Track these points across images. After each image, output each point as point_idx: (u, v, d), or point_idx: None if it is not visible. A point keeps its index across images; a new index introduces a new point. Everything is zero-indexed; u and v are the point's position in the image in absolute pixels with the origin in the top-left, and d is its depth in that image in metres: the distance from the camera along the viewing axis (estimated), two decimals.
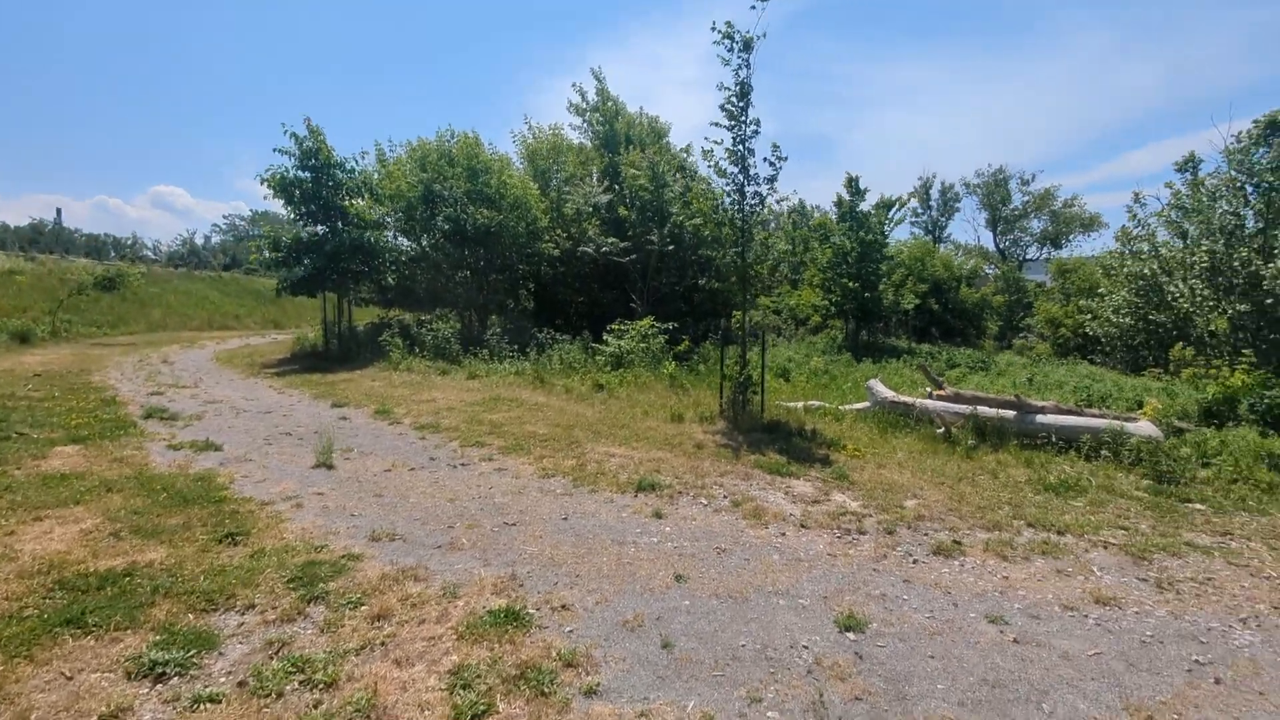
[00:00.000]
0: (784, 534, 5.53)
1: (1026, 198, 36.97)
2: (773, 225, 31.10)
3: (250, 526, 5.32)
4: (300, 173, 17.03)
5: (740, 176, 9.52)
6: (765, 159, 9.41)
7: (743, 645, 3.72)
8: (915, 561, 5.00)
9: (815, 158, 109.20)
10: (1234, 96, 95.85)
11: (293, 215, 17.71)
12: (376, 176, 19.19)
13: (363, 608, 4.03)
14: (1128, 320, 15.21)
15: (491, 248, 17.99)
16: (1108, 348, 16.01)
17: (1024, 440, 8.59)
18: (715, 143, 9.67)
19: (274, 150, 16.70)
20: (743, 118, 9.42)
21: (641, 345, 14.56)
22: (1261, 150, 15.56)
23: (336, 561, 4.70)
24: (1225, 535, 5.80)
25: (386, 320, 19.91)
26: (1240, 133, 15.69)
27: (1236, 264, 14.22)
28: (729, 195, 9.75)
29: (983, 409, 8.87)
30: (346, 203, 17.76)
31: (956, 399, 9.18)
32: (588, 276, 19.59)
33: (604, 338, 15.03)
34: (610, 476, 7.01)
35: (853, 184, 20.73)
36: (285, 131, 16.56)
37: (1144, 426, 8.18)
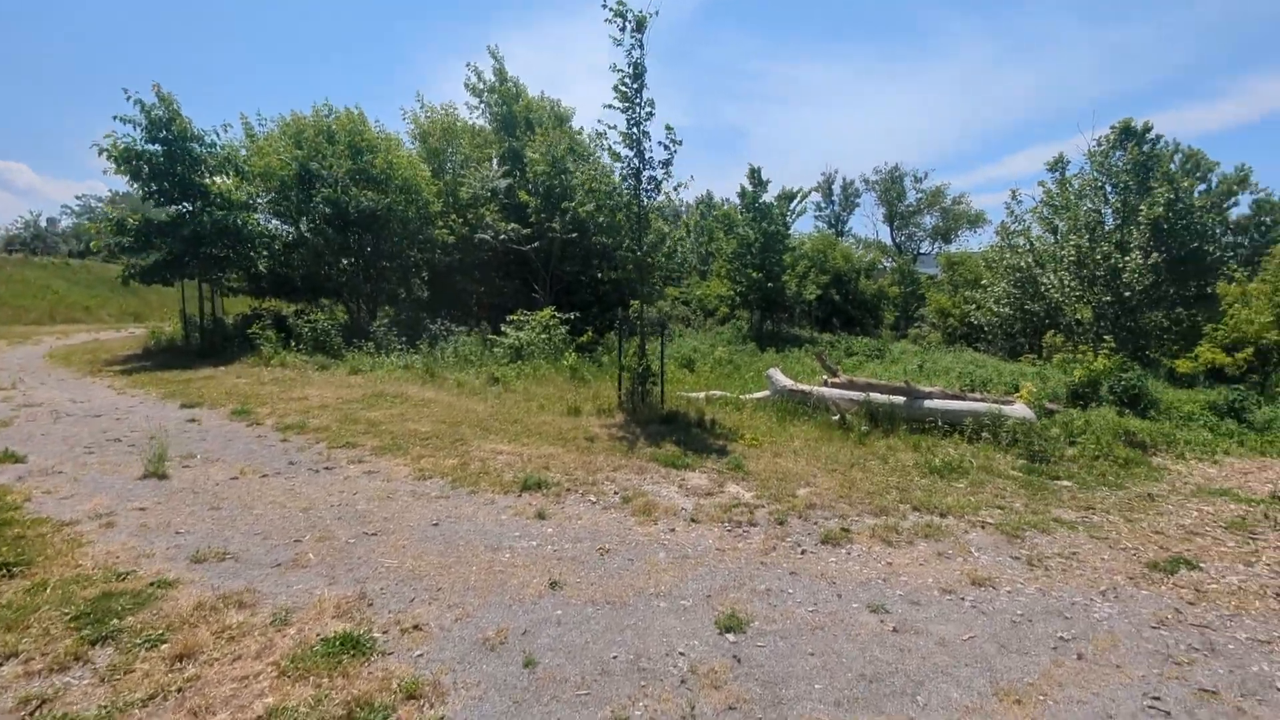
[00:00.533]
0: (673, 530, 5.32)
1: (920, 195, 39.94)
2: (683, 214, 31.38)
3: (36, 554, 4.46)
4: (149, 145, 15.12)
5: (635, 160, 9.27)
6: (660, 142, 9.21)
7: (614, 657, 3.44)
8: (804, 552, 4.93)
9: (727, 151, 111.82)
10: (1097, 107, 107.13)
11: (142, 193, 15.73)
12: (244, 153, 17.43)
13: (163, 646, 3.40)
14: (1007, 310, 16.53)
15: (379, 233, 16.81)
16: (990, 335, 17.33)
17: (913, 425, 8.92)
18: (609, 126, 9.37)
19: (114, 118, 14.71)
20: (637, 100, 9.15)
21: (543, 336, 14.08)
22: (1118, 153, 17.25)
23: (142, 591, 3.99)
24: (1088, 510, 6.19)
25: (258, 311, 18.20)
26: (1100, 137, 17.36)
27: (1099, 257, 15.70)
28: (624, 180, 9.47)
29: (875, 395, 9.13)
30: (208, 181, 15.99)
31: (850, 386, 9.41)
32: (487, 265, 18.80)
33: (503, 329, 14.41)
34: (494, 476, 6.56)
35: (755, 175, 21.13)
36: (130, 98, 14.64)
37: (1019, 409, 8.69)
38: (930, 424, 8.89)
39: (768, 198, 20.76)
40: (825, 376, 9.97)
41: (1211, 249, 17.23)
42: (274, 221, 18.34)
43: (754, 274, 19.83)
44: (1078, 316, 16.39)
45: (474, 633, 3.64)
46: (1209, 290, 15.58)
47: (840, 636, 3.70)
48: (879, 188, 39.81)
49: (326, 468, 6.83)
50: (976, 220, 38.08)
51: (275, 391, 11.12)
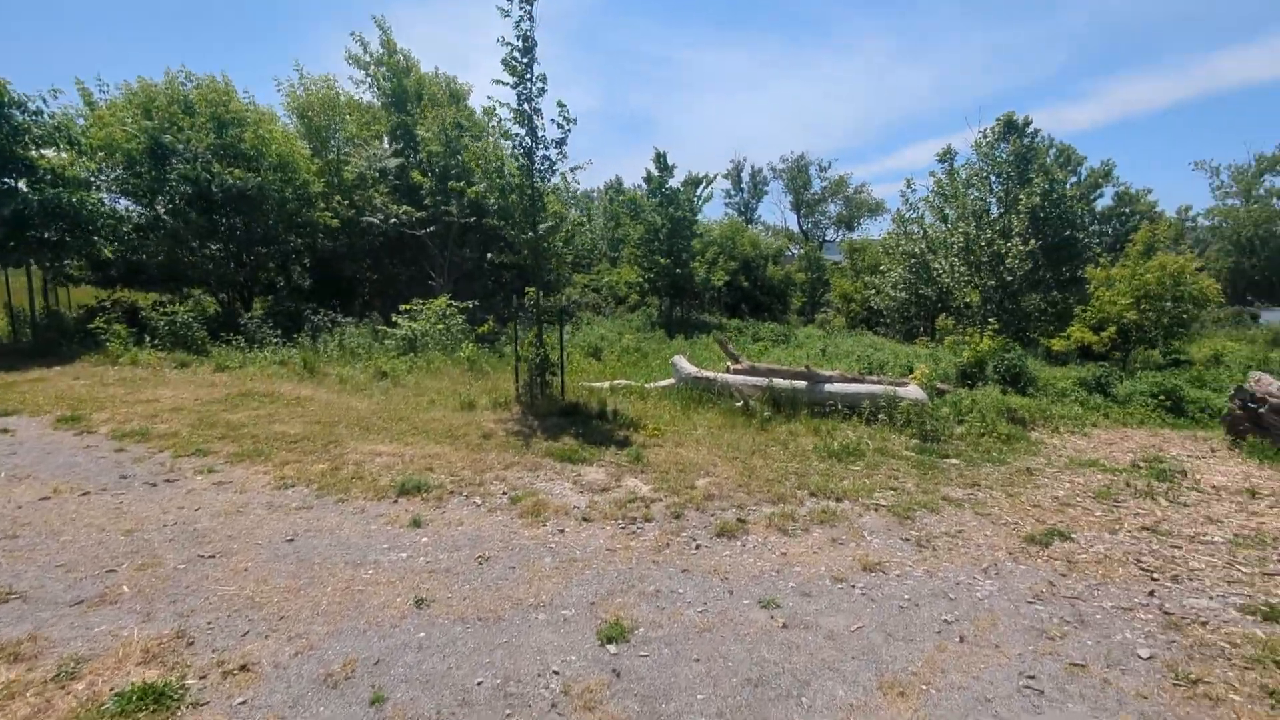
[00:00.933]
0: (563, 531, 5.02)
1: (825, 183, 41.66)
2: (595, 200, 30.92)
3: None
4: None
5: (527, 139, 8.80)
6: (553, 120, 8.78)
7: (479, 683, 3.10)
8: (698, 547, 4.77)
9: (638, 137, 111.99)
10: (983, 103, 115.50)
11: None
12: (82, 123, 15.34)
13: None
14: (903, 294, 17.44)
15: (251, 215, 15.30)
16: (889, 319, 18.25)
17: (815, 409, 9.07)
18: (500, 103, 8.85)
19: None
20: (527, 74, 8.67)
21: (439, 327, 13.32)
22: (1002, 145, 18.48)
23: None
24: (974, 487, 6.44)
25: (106, 303, 16.19)
26: (986, 130, 18.53)
27: (984, 243, 16.78)
28: (517, 160, 8.97)
29: (777, 381, 9.20)
30: (34, 154, 13.94)
31: (752, 372, 9.45)
32: (378, 251, 17.64)
33: (394, 319, 13.52)
34: (368, 481, 6.00)
35: (660, 160, 21.06)
36: None
37: (912, 390, 9.02)
38: (831, 407, 9.06)
39: (674, 183, 20.75)
40: (729, 363, 9.96)
41: (1081, 236, 18.87)
42: (123, 202, 16.31)
43: (662, 260, 19.80)
44: (967, 300, 17.47)
45: (315, 668, 3.19)
46: (1079, 274, 17.06)
47: (728, 638, 3.54)
48: (786, 176, 41.22)
49: (167, 480, 6.01)
50: (877, 209, 40.38)
51: (120, 394, 9.83)
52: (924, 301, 16.85)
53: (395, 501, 5.54)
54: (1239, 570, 4.60)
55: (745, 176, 43.83)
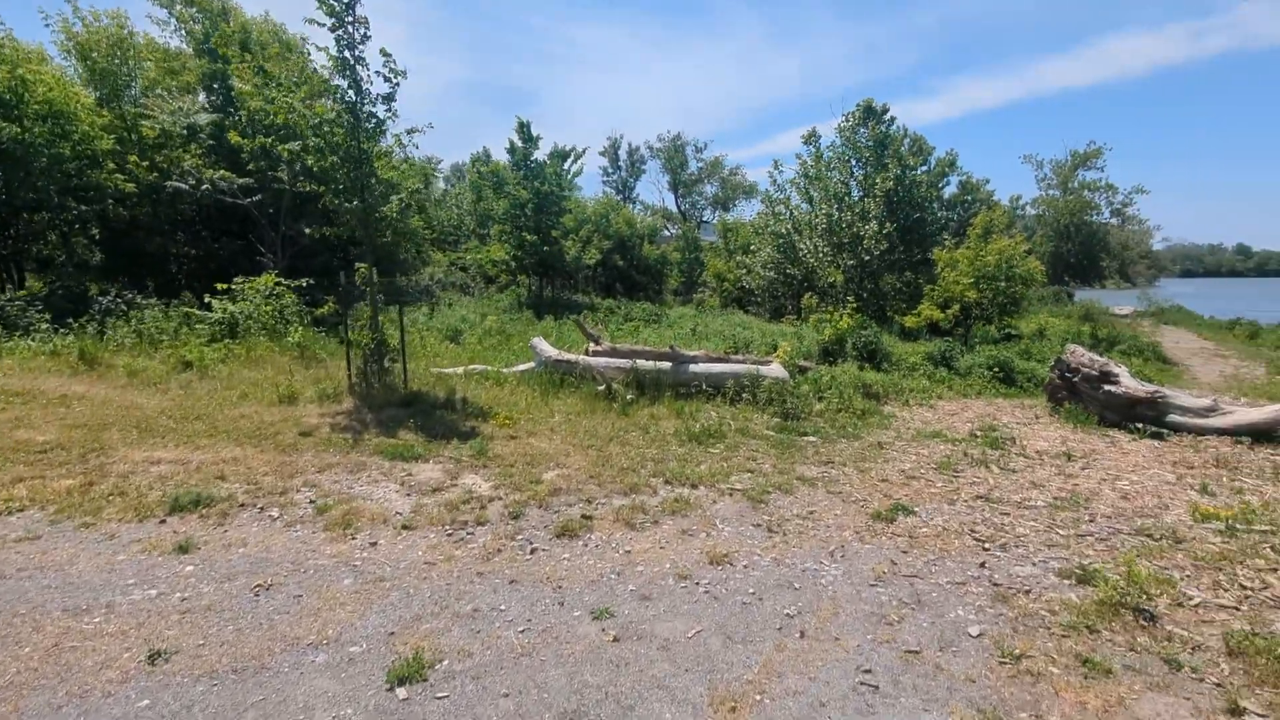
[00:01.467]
0: (374, 544, 4.35)
1: (701, 164, 42.51)
2: (464, 172, 29.12)
3: None
4: None
5: (350, 93, 7.76)
6: (379, 72, 7.80)
7: None
8: (534, 551, 4.30)
9: (515, 111, 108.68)
10: (846, 94, 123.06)
11: None
12: None
13: None
14: (772, 274, 17.99)
15: (10, 174, 12.62)
16: (759, 298, 18.79)
17: (680, 390, 8.89)
18: (318, 47, 7.74)
19: None
20: (348, 16, 7.63)
21: (267, 308, 11.77)
22: (862, 130, 19.46)
23: None
24: (829, 464, 6.49)
25: None
26: (847, 114, 19.43)
27: (845, 225, 17.63)
28: (338, 116, 7.88)
29: (641, 362, 8.92)
30: None
31: (613, 354, 9.11)
32: (194, 222, 15.36)
33: (208, 300, 11.76)
34: (132, 497, 4.94)
35: (524, 130, 20.08)
36: None
37: (775, 369, 9.08)
38: (696, 388, 8.92)
39: (540, 155, 19.89)
40: (589, 345, 9.55)
41: (930, 220, 20.41)
42: None
43: (529, 237, 18.94)
44: (831, 280, 18.33)
45: None
46: (929, 256, 18.44)
47: (549, 662, 3.10)
48: (663, 156, 41.51)
49: None
50: (751, 191, 41.80)
51: None
52: (791, 281, 17.50)
53: (162, 522, 4.58)
54: (1057, 534, 4.86)
55: (623, 155, 43.65)
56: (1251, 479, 6.42)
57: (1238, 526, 5.02)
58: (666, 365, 8.98)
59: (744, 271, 18.88)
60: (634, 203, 43.37)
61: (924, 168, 21.53)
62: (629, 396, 8.38)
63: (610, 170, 44.70)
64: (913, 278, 18.80)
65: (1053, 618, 3.61)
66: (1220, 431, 8.33)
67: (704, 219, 41.76)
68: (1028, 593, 3.91)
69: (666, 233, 37.43)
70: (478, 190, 20.72)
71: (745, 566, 4.17)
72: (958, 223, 28.71)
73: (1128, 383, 9.10)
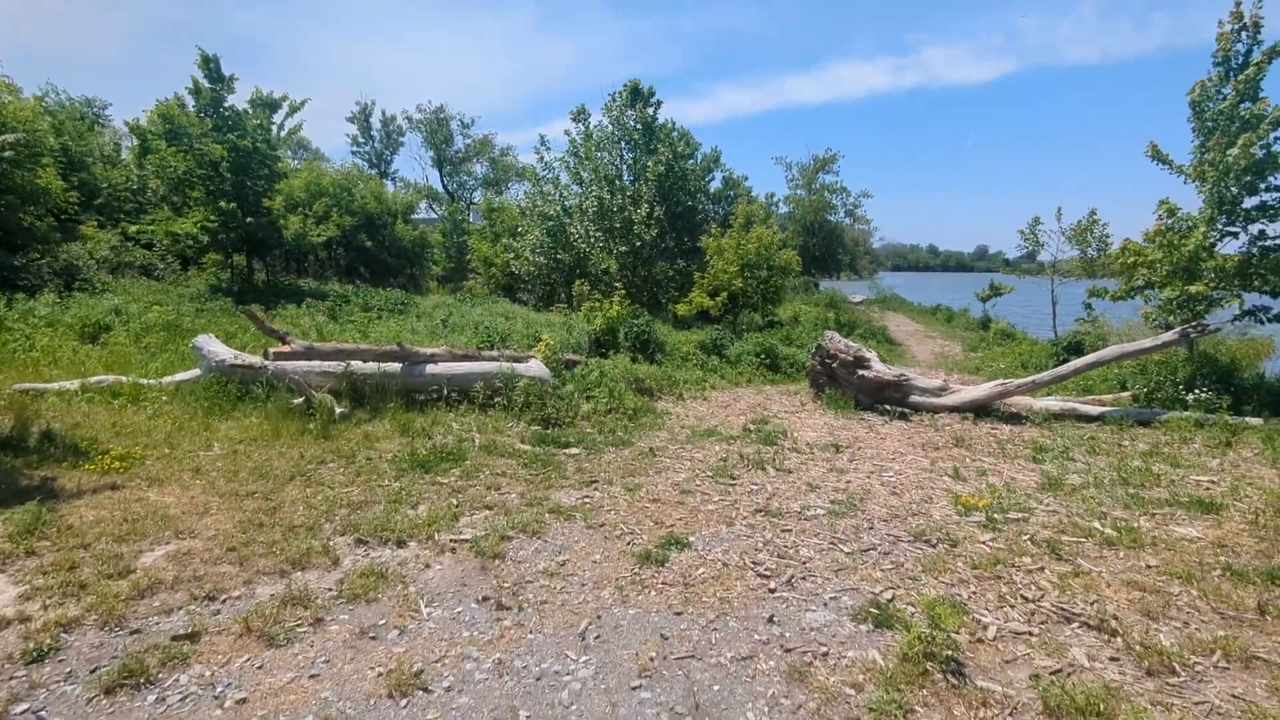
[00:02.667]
0: None
1: (468, 141, 39.43)
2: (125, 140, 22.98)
3: None
4: None
5: None
6: None
7: None
8: None
9: (241, 64, 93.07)
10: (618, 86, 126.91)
11: None
12: None
13: None
14: (542, 259, 16.73)
15: None
16: (529, 285, 17.41)
17: (414, 397, 7.11)
18: None
19: None
20: None
21: None
22: (630, 112, 18.97)
23: None
24: (592, 484, 5.32)
25: None
26: (615, 94, 18.79)
27: (616, 209, 16.98)
28: None
29: (359, 364, 6.95)
30: None
31: (310, 355, 6.96)
32: None
33: None
34: None
35: (210, 67, 15.71)
36: None
37: (534, 367, 7.74)
38: (436, 395, 7.21)
39: (237, 102, 15.78)
40: (276, 344, 7.25)
41: (700, 209, 20.80)
42: None
43: (226, 205, 14.88)
44: (604, 266, 17.60)
45: None
46: (698, 244, 18.67)
47: None
48: (425, 129, 37.54)
49: None
50: (524, 173, 39.87)
51: None
52: (562, 267, 16.38)
53: None
54: (842, 552, 4.21)
55: (376, 123, 38.62)
56: (988, 458, 6.67)
57: (996, 517, 4.87)
58: (394, 367, 7.12)
59: (512, 256, 17.26)
60: (391, 179, 38.98)
61: (692, 160, 21.87)
62: (338, 411, 6.38)
63: (362, 140, 39.51)
64: (684, 265, 18.91)
65: (858, 697, 2.73)
66: (951, 409, 8.96)
67: (474, 200, 38.98)
68: (825, 657, 3.03)
69: (431, 214, 34.20)
70: (141, 137, 15.85)
71: (449, 689, 2.71)
72: (723, 216, 30.20)
73: (878, 367, 9.44)
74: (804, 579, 3.81)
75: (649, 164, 17.77)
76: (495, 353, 8.26)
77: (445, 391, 7.20)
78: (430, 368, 7.27)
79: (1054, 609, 3.56)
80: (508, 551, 3.99)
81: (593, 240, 16.78)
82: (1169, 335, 8.87)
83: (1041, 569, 4.04)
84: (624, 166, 18.93)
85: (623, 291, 12.40)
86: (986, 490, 5.55)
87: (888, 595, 3.61)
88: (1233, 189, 9.10)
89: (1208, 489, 5.60)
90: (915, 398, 9.24)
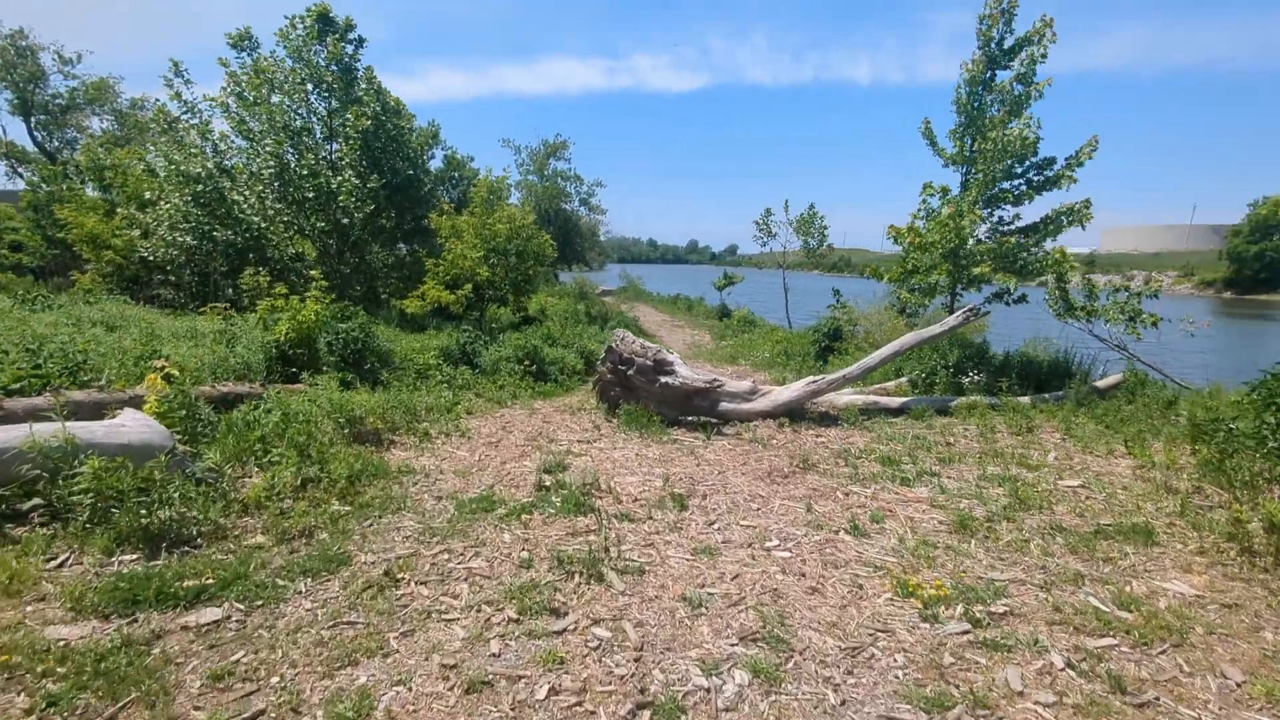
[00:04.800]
0: None
1: (75, 83, 28.00)
2: None
3: None
4: None
5: None
6: None
7: None
8: None
9: None
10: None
11: None
12: None
13: None
14: (189, 238, 11.51)
15: None
16: (175, 275, 11.99)
17: None
18: None
19: None
20: None
21: None
22: (318, 48, 14.51)
23: None
24: None
25: None
26: (294, 19, 14.14)
27: (307, 173, 12.64)
28: None
29: None
30: None
31: None
32: None
33: None
34: None
35: None
36: None
37: (129, 424, 4.09)
38: None
39: None
40: None
41: (424, 182, 17.20)
42: None
43: None
44: (297, 251, 13.13)
45: None
46: (426, 223, 15.16)
47: None
48: None
49: None
50: (155, 116, 29.40)
51: None
52: (226, 250, 11.44)
53: None
54: None
55: None
56: (854, 485, 5.30)
57: (979, 616, 3.16)
58: None
59: (139, 234, 11.65)
60: None
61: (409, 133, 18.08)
62: None
63: None
64: (412, 250, 15.25)
65: None
66: (764, 414, 7.63)
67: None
68: None
69: (14, 182, 23.90)
70: None
71: None
72: (455, 201, 26.73)
73: (683, 373, 7.61)
74: None
75: (349, 117, 13.70)
76: (45, 399, 4.30)
77: None
78: None
79: None
80: None
81: (272, 214, 12.21)
82: (955, 319, 8.60)
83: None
84: (315, 122, 14.49)
85: (324, 283, 8.67)
86: (909, 553, 3.88)
87: None
88: (997, 172, 9.20)
89: (1119, 507, 4.65)
90: (724, 405, 7.65)
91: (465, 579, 3.48)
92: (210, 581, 3.19)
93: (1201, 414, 6.18)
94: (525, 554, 3.76)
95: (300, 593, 3.23)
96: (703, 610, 3.22)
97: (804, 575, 3.63)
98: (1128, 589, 3.45)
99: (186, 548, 3.58)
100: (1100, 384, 8.74)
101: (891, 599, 3.37)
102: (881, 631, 3.06)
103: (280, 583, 3.28)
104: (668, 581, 3.51)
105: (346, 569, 3.50)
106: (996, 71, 9.45)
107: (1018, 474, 5.48)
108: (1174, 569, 3.73)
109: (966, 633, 3.05)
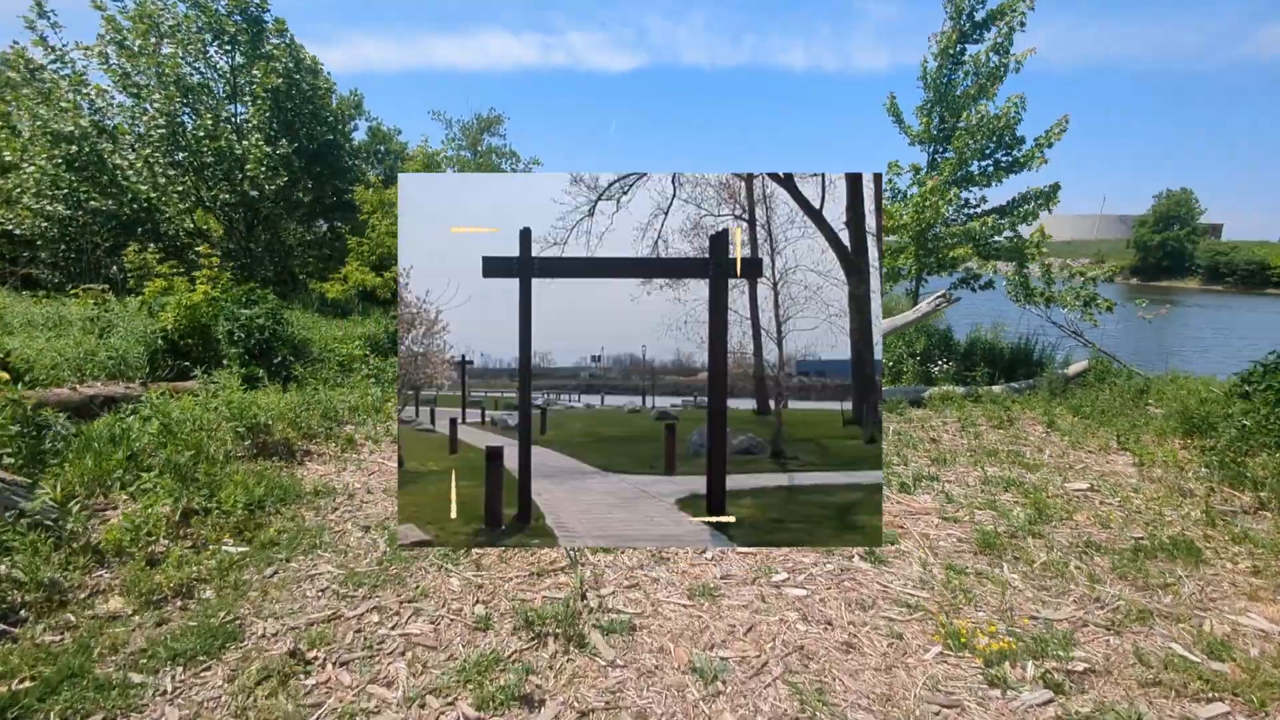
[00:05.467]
0: None
1: None
2: None
3: None
4: None
5: None
6: None
7: None
8: None
9: None
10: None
11: None
12: None
13: None
14: (60, 208, 9.76)
15: None
16: (45, 252, 10.19)
17: None
18: None
19: None
20: None
21: None
22: None
23: None
24: None
25: None
26: None
27: (205, 135, 11.04)
28: None
29: None
30: None
31: None
32: None
33: None
34: None
35: None
36: None
37: None
38: None
39: None
40: None
41: (347, 150, 15.66)
42: None
43: None
44: (198, 225, 11.54)
45: None
46: (349, 197, 13.73)
47: None
48: None
49: None
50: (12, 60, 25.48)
51: None
52: (108, 222, 9.79)
53: None
54: None
55: None
56: None
57: (1058, 679, 2.55)
58: None
59: None
60: None
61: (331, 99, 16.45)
62: None
63: None
64: (332, 227, 13.81)
65: None
66: None
67: None
68: None
69: None
70: None
71: None
72: (383, 176, 24.93)
73: None
74: None
75: (256, 74, 12.11)
76: None
77: None
78: None
79: None
80: None
81: (164, 183, 10.58)
82: (927, 305, 8.20)
83: None
84: (215, 75, 12.76)
85: (214, 259, 7.40)
86: (941, 585, 3.31)
87: None
88: (971, 151, 8.78)
89: (1140, 515, 4.20)
90: None
91: (402, 653, 2.63)
92: (26, 685, 2.23)
93: (1195, 405, 5.94)
94: (480, 609, 2.94)
95: (164, 694, 2.31)
96: (719, 685, 2.50)
97: (830, 624, 2.96)
98: (1205, 628, 2.94)
99: (2, 627, 2.58)
100: (1069, 371, 8.55)
101: (943, 653, 2.74)
102: (948, 708, 2.42)
103: (136, 680, 2.34)
104: (666, 642, 2.77)
105: (236, 647, 2.59)
106: (967, 46, 9.02)
107: (1020, 476, 5.03)
108: (1237, 595, 3.26)
109: (1049, 702, 2.44)
